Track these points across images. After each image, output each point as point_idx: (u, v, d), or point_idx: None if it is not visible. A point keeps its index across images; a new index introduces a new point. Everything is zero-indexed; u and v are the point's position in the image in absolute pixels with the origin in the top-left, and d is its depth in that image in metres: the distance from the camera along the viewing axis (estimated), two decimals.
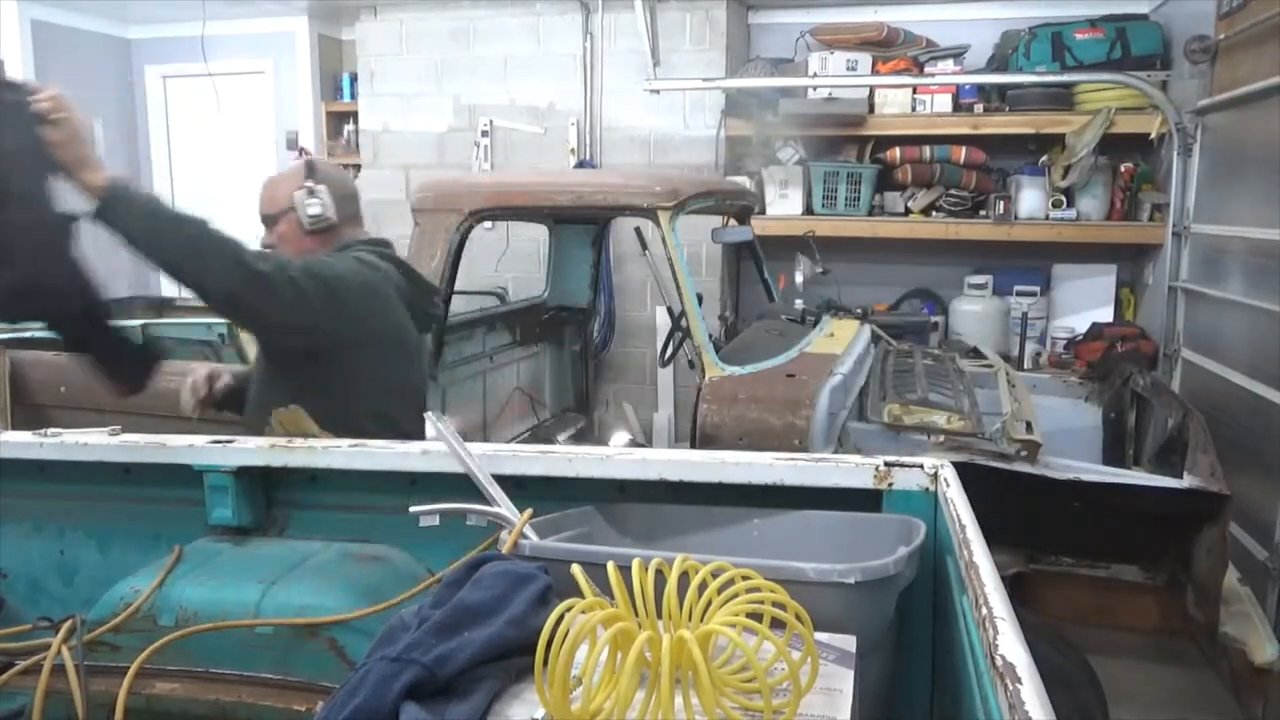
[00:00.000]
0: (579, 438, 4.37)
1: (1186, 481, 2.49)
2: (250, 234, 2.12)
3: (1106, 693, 2.46)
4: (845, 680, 1.04)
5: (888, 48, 5.15)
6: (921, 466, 1.51)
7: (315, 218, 2.21)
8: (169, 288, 6.73)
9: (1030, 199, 4.97)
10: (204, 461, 1.74)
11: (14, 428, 2.54)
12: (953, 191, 5.10)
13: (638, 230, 4.13)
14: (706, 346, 2.84)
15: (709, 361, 2.81)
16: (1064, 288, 5.29)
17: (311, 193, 2.21)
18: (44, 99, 1.75)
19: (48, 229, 1.83)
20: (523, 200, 3.24)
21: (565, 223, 4.31)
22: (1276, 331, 3.23)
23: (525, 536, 1.33)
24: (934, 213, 5.16)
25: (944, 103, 5.01)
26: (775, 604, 1.04)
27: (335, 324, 2.07)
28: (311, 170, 2.26)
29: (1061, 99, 4.86)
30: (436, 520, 1.42)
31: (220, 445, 1.75)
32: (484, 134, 5.53)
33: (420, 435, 1.66)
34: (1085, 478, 2.51)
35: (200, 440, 1.77)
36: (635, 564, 1.06)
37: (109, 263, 1.98)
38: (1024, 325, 4.94)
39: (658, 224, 2.93)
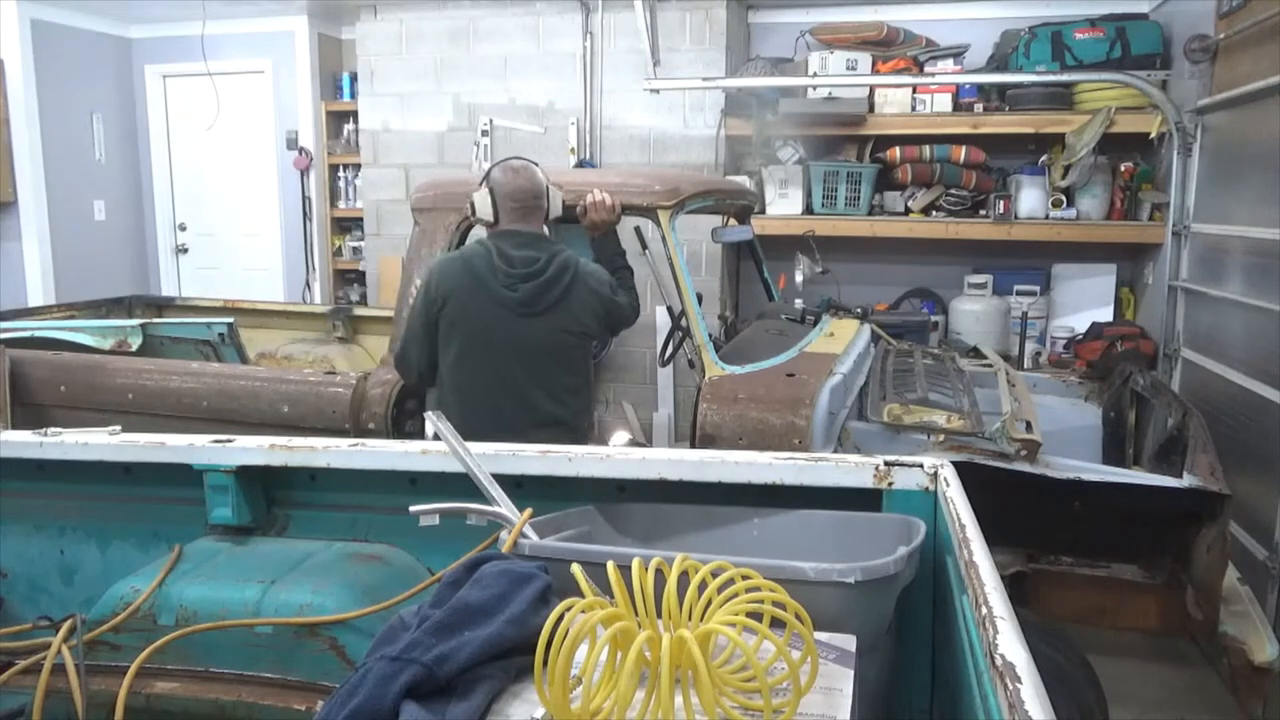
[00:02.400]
0: None
1: (1186, 481, 2.48)
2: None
3: (1106, 693, 2.46)
4: (845, 680, 1.04)
5: (888, 47, 5.15)
6: (921, 466, 1.51)
7: (479, 216, 2.85)
8: (169, 287, 6.74)
9: (1030, 198, 4.97)
10: (204, 461, 1.74)
11: (14, 428, 2.54)
12: (952, 191, 5.10)
13: (638, 229, 4.11)
14: (706, 346, 2.84)
15: (709, 361, 2.81)
16: (1064, 287, 5.29)
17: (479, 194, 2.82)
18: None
19: None
20: None
21: (565, 223, 4.30)
22: (1276, 331, 3.22)
23: (525, 536, 1.33)
24: (934, 212, 5.15)
25: (944, 102, 5.01)
26: (775, 603, 1.04)
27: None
28: (487, 176, 2.86)
29: (1061, 98, 4.86)
30: (436, 520, 1.42)
31: (220, 445, 1.75)
32: (484, 133, 5.53)
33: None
34: (1085, 477, 2.50)
35: (200, 440, 1.77)
36: (635, 563, 1.05)
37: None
38: (1024, 325, 4.93)
39: (657, 223, 2.93)
